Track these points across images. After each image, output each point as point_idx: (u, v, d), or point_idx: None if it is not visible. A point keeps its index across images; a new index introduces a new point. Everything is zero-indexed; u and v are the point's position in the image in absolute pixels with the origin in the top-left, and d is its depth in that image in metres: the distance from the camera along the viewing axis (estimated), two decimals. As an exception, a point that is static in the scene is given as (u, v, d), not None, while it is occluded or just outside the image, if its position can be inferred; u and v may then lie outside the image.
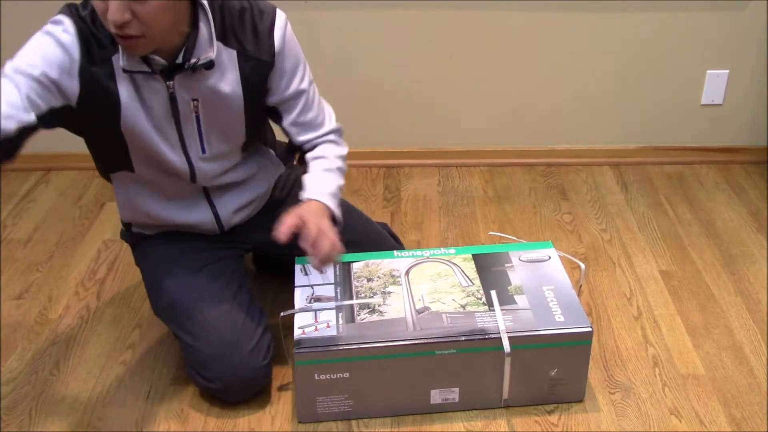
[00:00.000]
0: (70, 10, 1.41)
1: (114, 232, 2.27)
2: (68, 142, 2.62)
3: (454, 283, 1.66)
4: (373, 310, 1.60)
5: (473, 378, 1.58)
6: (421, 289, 1.66)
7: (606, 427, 1.60)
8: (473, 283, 1.67)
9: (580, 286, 1.87)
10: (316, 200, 1.54)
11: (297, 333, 1.54)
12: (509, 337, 1.53)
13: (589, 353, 1.60)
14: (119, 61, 1.41)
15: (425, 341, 1.53)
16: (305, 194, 1.56)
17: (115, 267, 2.12)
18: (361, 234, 1.83)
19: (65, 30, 1.38)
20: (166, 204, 1.65)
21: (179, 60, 1.44)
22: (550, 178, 2.55)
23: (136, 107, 1.46)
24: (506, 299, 1.62)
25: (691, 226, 2.27)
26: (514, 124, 2.58)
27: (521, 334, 1.54)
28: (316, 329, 1.55)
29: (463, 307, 1.60)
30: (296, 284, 1.67)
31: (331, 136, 1.66)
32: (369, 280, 1.68)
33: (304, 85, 1.59)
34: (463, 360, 1.55)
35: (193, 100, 1.50)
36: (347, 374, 1.53)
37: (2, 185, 2.52)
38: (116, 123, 1.47)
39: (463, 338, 1.53)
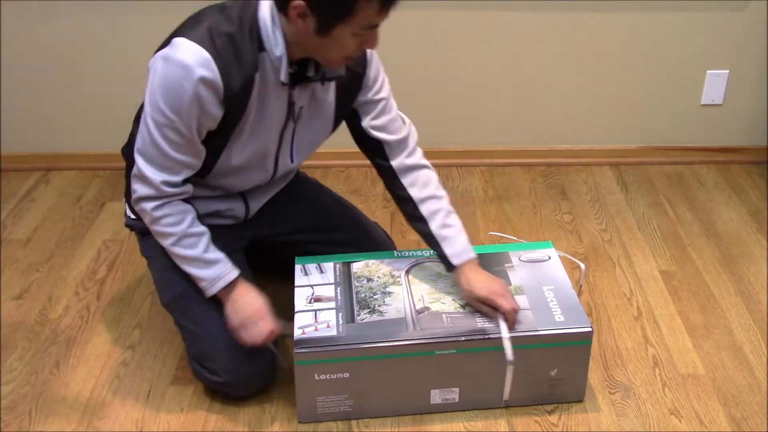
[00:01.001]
0: (208, 40, 1.39)
1: (114, 232, 2.26)
2: (68, 142, 2.64)
3: (454, 283, 1.66)
4: (373, 310, 1.60)
5: (473, 378, 1.58)
6: (421, 289, 1.66)
7: (606, 427, 1.60)
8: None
9: (581, 286, 1.87)
10: (473, 260, 1.61)
11: (297, 333, 1.54)
12: (507, 338, 1.53)
13: (589, 353, 1.60)
14: (266, 75, 1.44)
15: (425, 341, 1.53)
16: (466, 255, 1.60)
17: (115, 267, 2.12)
18: (356, 233, 1.85)
19: (206, 65, 1.37)
20: (206, 199, 1.66)
21: (311, 72, 1.49)
22: (550, 178, 2.55)
23: (257, 118, 1.50)
24: None
25: (691, 226, 2.27)
26: (514, 124, 2.58)
27: (521, 334, 1.54)
28: (316, 329, 1.55)
29: (463, 307, 1.60)
30: (296, 284, 1.67)
31: (419, 153, 1.71)
32: (369, 280, 1.68)
33: (384, 93, 1.65)
34: (463, 360, 1.55)
35: (301, 108, 1.55)
36: (347, 374, 1.53)
37: (2, 185, 2.52)
38: (229, 135, 1.50)
39: (463, 338, 1.53)
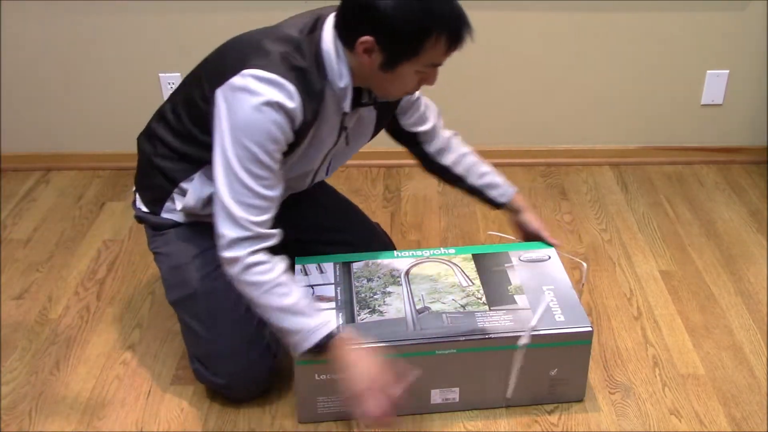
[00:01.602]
0: (287, 71, 1.37)
1: (114, 232, 2.27)
2: (68, 142, 2.64)
3: (454, 283, 1.66)
4: (373, 310, 1.60)
5: (474, 378, 1.58)
6: (421, 289, 1.65)
7: (606, 427, 1.60)
8: (473, 283, 1.67)
9: (582, 285, 1.87)
10: (515, 193, 1.79)
11: None
12: (507, 338, 1.53)
13: (589, 353, 1.60)
14: (327, 104, 1.45)
15: (425, 341, 1.52)
16: (511, 190, 1.78)
17: (115, 267, 2.12)
18: (359, 234, 1.85)
19: (290, 97, 1.37)
20: None
21: (365, 99, 1.50)
22: (550, 178, 2.55)
23: (310, 144, 1.50)
24: (506, 299, 1.62)
25: (691, 226, 2.27)
26: (514, 124, 2.58)
27: (521, 333, 1.54)
28: None
29: (463, 307, 1.60)
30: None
31: (441, 124, 1.79)
32: (369, 280, 1.68)
33: (416, 93, 1.69)
34: (463, 360, 1.55)
35: (349, 129, 1.57)
36: None
37: (2, 185, 2.52)
38: (292, 154, 1.49)
39: (463, 338, 1.53)
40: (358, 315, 1.58)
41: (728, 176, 2.54)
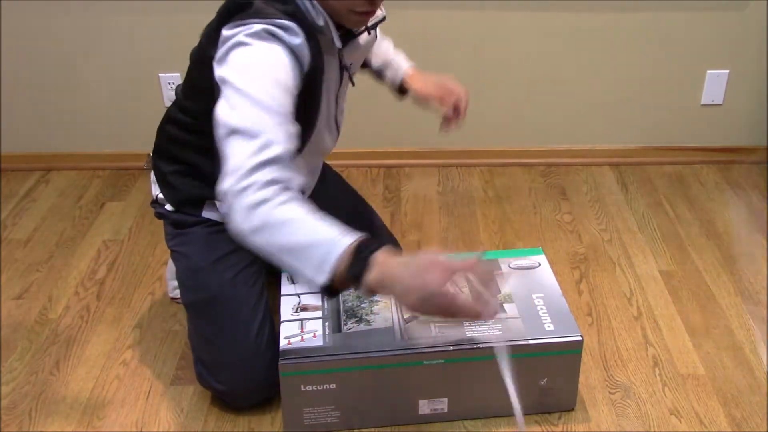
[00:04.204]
0: (291, 14, 1.35)
1: (114, 232, 2.27)
2: (68, 142, 2.64)
3: None
4: (360, 320, 1.57)
5: (462, 388, 1.55)
6: None
7: (606, 427, 1.60)
8: (462, 291, 1.64)
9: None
10: (411, 68, 1.75)
11: (283, 343, 1.51)
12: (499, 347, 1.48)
13: (579, 362, 1.57)
14: (325, 46, 1.41)
15: (413, 351, 1.50)
16: (405, 64, 1.75)
17: (115, 267, 2.12)
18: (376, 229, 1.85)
19: (294, 34, 1.33)
20: None
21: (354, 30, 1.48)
22: (550, 178, 2.55)
23: (325, 91, 1.48)
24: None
25: (691, 226, 2.28)
26: (514, 124, 2.59)
27: (510, 343, 1.49)
28: (302, 339, 1.52)
29: None
30: (282, 293, 1.65)
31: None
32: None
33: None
34: (451, 370, 1.52)
35: (350, 64, 1.55)
36: (333, 385, 1.51)
37: (2, 185, 2.52)
38: (313, 120, 1.47)
39: (452, 348, 1.50)
40: (345, 324, 1.56)
41: (728, 176, 2.54)
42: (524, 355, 1.52)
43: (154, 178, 1.70)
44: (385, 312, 1.59)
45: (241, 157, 1.22)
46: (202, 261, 1.63)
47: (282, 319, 1.58)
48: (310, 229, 1.21)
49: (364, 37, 1.54)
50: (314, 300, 1.62)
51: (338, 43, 1.43)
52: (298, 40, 1.34)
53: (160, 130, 1.67)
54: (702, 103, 2.54)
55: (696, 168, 2.59)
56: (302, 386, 1.50)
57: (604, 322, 1.90)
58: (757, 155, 2.61)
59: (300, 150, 1.47)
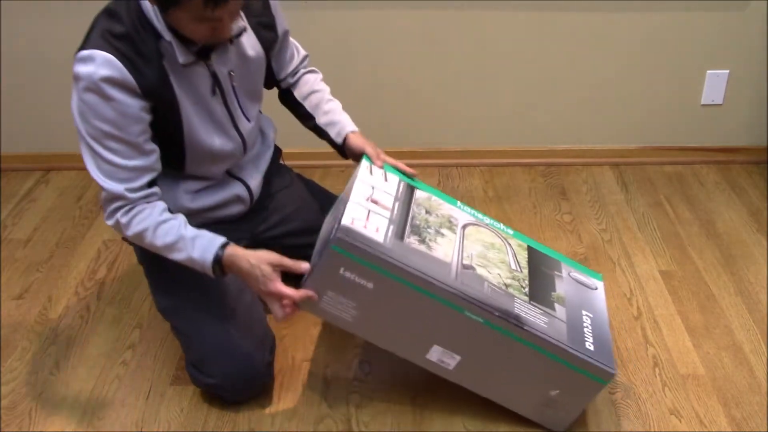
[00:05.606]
0: (104, 43, 1.40)
1: (114, 232, 2.26)
2: (68, 142, 2.63)
3: (505, 261, 1.60)
4: (422, 241, 1.52)
5: (480, 355, 1.52)
6: (473, 249, 1.58)
7: (606, 427, 1.60)
8: (522, 271, 1.60)
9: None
10: (357, 132, 1.74)
11: (346, 220, 1.44)
12: (536, 336, 1.48)
13: (598, 392, 1.55)
14: (174, 58, 1.45)
15: (462, 296, 1.45)
16: (347, 128, 1.73)
17: (115, 267, 2.12)
18: None
19: (110, 67, 1.39)
20: (198, 193, 1.65)
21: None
22: (550, 178, 2.55)
23: (191, 101, 1.51)
24: (547, 302, 1.56)
25: (691, 226, 2.27)
26: (514, 124, 2.58)
27: (550, 339, 1.48)
28: (365, 227, 1.46)
29: (506, 286, 1.54)
30: (359, 177, 1.59)
31: (306, 63, 1.81)
32: (428, 212, 1.61)
33: (286, 22, 1.70)
34: (483, 334, 1.48)
35: (230, 72, 1.56)
36: (371, 284, 1.45)
37: (2, 185, 2.52)
38: (178, 120, 1.51)
39: (497, 314, 1.47)
40: (408, 237, 1.51)
41: (728, 176, 2.54)
42: (555, 357, 1.49)
43: None
44: (447, 247, 1.54)
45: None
46: (165, 266, 1.61)
47: (352, 200, 1.51)
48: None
49: (242, 42, 1.57)
50: (386, 199, 1.57)
51: (182, 59, 1.46)
52: (117, 72, 1.39)
53: None
54: (702, 103, 2.54)
55: (696, 168, 2.59)
56: (342, 269, 1.44)
57: (604, 322, 1.90)
58: (757, 155, 2.60)
59: (181, 162, 1.59)
